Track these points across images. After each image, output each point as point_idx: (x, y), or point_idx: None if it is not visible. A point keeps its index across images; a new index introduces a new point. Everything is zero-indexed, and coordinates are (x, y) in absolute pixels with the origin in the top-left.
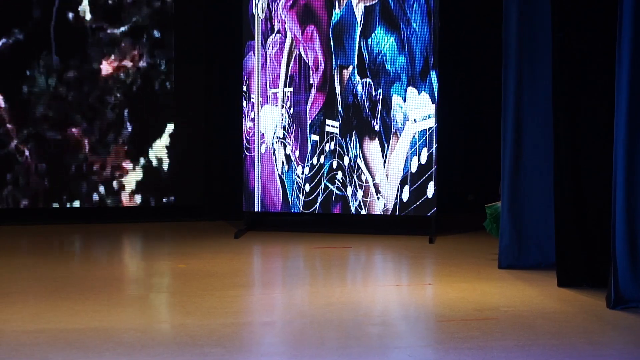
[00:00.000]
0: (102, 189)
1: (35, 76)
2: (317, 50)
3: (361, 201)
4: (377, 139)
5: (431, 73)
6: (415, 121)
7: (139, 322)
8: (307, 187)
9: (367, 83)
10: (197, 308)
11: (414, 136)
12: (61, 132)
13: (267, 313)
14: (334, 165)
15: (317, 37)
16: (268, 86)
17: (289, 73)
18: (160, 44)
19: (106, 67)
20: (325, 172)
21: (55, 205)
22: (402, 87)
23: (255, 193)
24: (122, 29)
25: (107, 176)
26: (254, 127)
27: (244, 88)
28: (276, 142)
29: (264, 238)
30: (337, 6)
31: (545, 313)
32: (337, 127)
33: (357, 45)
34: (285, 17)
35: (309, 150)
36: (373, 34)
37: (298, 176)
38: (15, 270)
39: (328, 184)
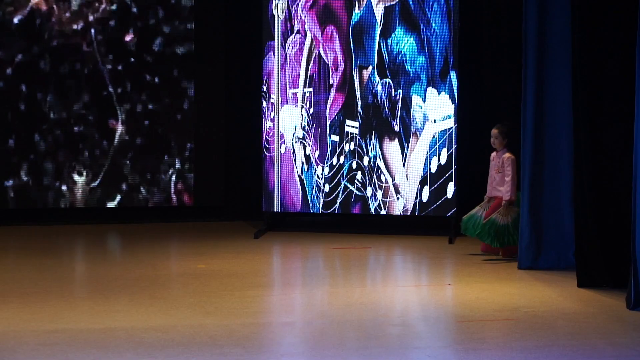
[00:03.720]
0: (123, 190)
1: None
2: (336, 50)
3: (381, 201)
4: (396, 139)
5: (451, 73)
6: (435, 121)
7: (159, 322)
8: (327, 188)
9: (387, 83)
10: (217, 308)
11: (433, 136)
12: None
13: (286, 313)
14: (354, 165)
15: (337, 37)
16: (288, 86)
17: (309, 73)
18: (180, 44)
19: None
20: (344, 173)
21: (74, 205)
22: (421, 87)
23: (275, 193)
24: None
25: (126, 177)
26: (274, 127)
27: (264, 88)
28: (296, 142)
29: (283, 238)
30: (356, 6)
31: (565, 314)
32: (356, 128)
33: (376, 45)
34: (305, 17)
35: (329, 150)
36: (393, 34)
37: (318, 176)
38: (35, 270)
39: (348, 184)
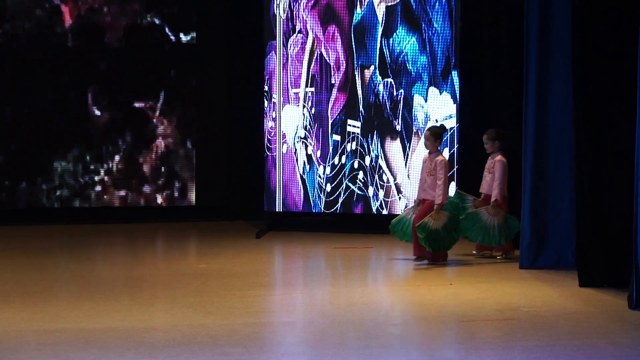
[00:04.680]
0: (123, 189)
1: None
2: (338, 50)
3: (382, 201)
4: (398, 138)
5: (453, 73)
6: (436, 121)
7: (160, 321)
8: (329, 187)
9: (389, 83)
10: (218, 308)
11: None
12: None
13: (288, 313)
14: (356, 165)
15: (339, 37)
16: (289, 86)
17: (311, 73)
18: (182, 44)
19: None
20: (346, 172)
21: (76, 205)
22: (423, 87)
23: (277, 193)
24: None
25: (128, 176)
26: (276, 127)
27: (266, 88)
28: (297, 142)
29: (285, 238)
30: (358, 6)
31: (567, 313)
32: (358, 127)
33: (378, 45)
34: (306, 17)
35: (331, 150)
36: (394, 34)
37: (319, 176)
38: (36, 270)
39: (349, 184)
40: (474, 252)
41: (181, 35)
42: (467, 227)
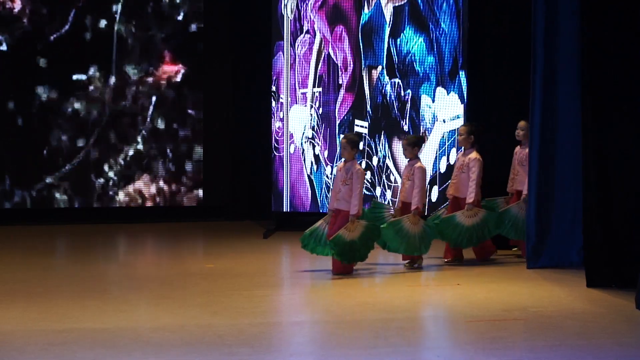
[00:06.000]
0: (129, 189)
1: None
2: (346, 50)
3: (390, 201)
4: None
5: (460, 73)
6: (444, 121)
7: (168, 321)
8: None
9: (396, 83)
10: (225, 308)
11: (442, 136)
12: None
13: (295, 313)
14: (363, 165)
15: (346, 38)
16: (297, 86)
17: (318, 73)
18: (188, 44)
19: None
20: None
21: (79, 205)
22: (431, 87)
23: (284, 193)
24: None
25: (133, 176)
26: (283, 127)
27: (273, 88)
28: (305, 142)
29: (292, 238)
30: (366, 6)
31: (574, 314)
32: (366, 127)
33: (386, 45)
34: (314, 17)
35: (338, 150)
36: (402, 34)
37: (327, 176)
38: (43, 270)
39: None
40: (405, 263)
41: (187, 35)
42: (389, 238)
